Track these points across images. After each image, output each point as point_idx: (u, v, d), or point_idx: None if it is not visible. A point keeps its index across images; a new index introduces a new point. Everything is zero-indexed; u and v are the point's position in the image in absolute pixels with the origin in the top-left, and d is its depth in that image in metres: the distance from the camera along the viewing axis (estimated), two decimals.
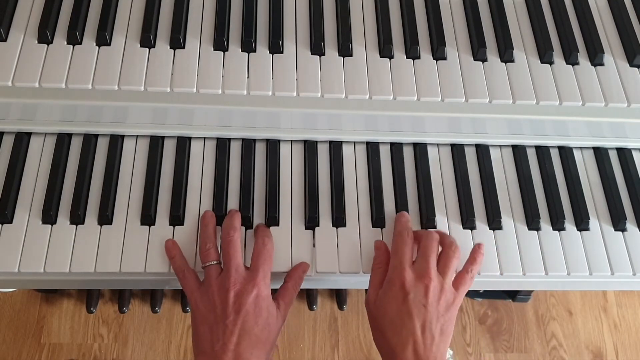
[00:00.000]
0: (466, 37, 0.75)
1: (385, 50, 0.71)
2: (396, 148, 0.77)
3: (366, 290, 0.68)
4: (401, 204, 0.73)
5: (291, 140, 0.77)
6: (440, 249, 0.67)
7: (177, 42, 0.69)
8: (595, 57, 0.74)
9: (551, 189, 0.76)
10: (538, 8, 0.78)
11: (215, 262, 0.65)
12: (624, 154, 0.81)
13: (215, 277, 0.63)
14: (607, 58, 0.75)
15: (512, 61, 0.73)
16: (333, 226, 0.72)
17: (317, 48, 0.71)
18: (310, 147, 0.76)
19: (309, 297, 1.24)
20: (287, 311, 0.66)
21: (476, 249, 0.69)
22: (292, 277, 0.67)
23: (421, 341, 0.60)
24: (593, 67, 0.74)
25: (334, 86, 0.69)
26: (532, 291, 1.32)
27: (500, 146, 0.79)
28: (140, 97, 0.68)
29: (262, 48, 0.70)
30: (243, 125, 0.75)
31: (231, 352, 0.59)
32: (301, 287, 0.68)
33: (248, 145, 0.75)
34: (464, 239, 0.72)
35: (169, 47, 0.69)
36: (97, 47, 0.68)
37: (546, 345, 1.35)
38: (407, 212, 0.72)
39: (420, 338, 0.60)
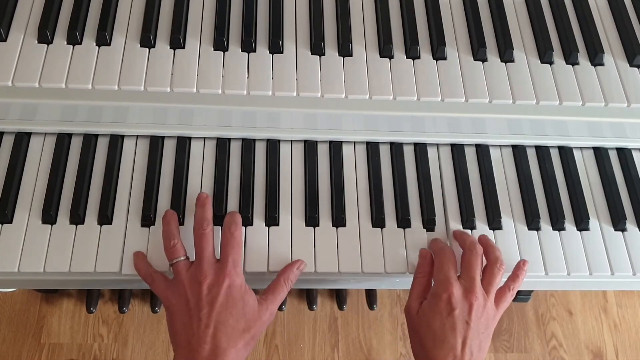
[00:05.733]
0: (466, 37, 0.75)
1: (385, 50, 0.71)
2: (396, 148, 0.77)
3: (366, 291, 0.67)
4: (401, 204, 0.73)
5: (291, 140, 0.77)
6: (484, 262, 0.68)
7: (177, 42, 0.69)
8: (595, 57, 0.74)
9: (551, 189, 0.76)
10: (538, 8, 0.78)
11: (183, 257, 0.65)
12: (624, 154, 0.81)
13: (185, 272, 0.63)
14: (607, 58, 0.75)
15: (512, 61, 0.73)
16: (333, 226, 0.72)
17: (317, 48, 0.71)
18: (310, 147, 0.76)
19: (309, 297, 1.24)
20: (276, 305, 0.65)
21: (520, 265, 0.70)
22: (284, 272, 0.67)
23: (460, 356, 0.61)
24: (593, 67, 0.74)
25: (334, 86, 0.69)
26: (532, 291, 1.32)
27: (500, 146, 0.79)
28: (140, 97, 0.68)
29: (262, 48, 0.71)
30: (243, 125, 0.75)
31: (208, 345, 0.59)
32: (301, 287, 0.68)
33: (248, 145, 0.75)
34: None
35: (169, 47, 0.69)
36: (97, 47, 0.68)
37: (546, 345, 1.35)
38: (408, 212, 0.72)
39: (460, 353, 0.61)
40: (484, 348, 0.63)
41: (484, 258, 0.68)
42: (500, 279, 0.67)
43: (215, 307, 0.60)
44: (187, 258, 0.65)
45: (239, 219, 0.68)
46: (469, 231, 0.73)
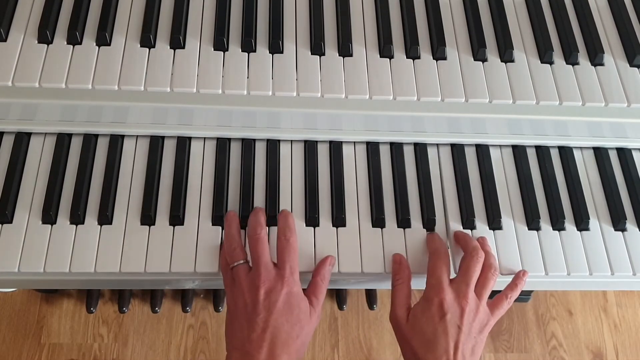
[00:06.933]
0: (466, 37, 0.75)
1: (385, 50, 0.71)
2: (396, 148, 0.77)
3: (366, 291, 0.68)
4: (401, 204, 0.73)
5: (291, 140, 0.77)
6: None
7: (177, 42, 0.69)
8: (595, 57, 0.74)
9: (551, 189, 0.76)
10: (538, 8, 0.78)
11: (242, 261, 0.65)
12: (624, 154, 0.81)
13: (244, 276, 0.64)
14: (607, 58, 0.75)
15: (512, 61, 0.73)
16: (333, 226, 0.72)
17: (317, 48, 0.71)
18: (310, 147, 0.76)
19: None
20: (321, 306, 0.66)
21: (520, 275, 0.69)
22: (319, 272, 0.67)
23: None
24: (593, 67, 0.74)
25: (334, 86, 0.69)
26: (532, 291, 1.32)
27: (500, 146, 0.79)
28: (140, 97, 0.68)
29: (262, 48, 0.70)
30: (243, 125, 0.75)
31: (265, 349, 0.60)
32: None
33: (248, 145, 0.75)
34: None
35: (169, 47, 0.69)
36: (97, 47, 0.68)
37: (546, 345, 1.35)
38: (408, 212, 0.72)
39: (452, 357, 0.61)
40: (476, 352, 0.63)
41: None
42: (493, 285, 0.67)
43: (273, 314, 0.61)
44: (247, 262, 0.66)
45: (292, 223, 0.68)
46: (469, 231, 0.73)
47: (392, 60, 0.72)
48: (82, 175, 0.71)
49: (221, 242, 0.69)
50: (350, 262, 0.69)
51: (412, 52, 0.72)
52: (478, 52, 0.73)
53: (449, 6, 0.77)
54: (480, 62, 0.73)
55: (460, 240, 0.70)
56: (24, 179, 0.71)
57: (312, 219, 0.71)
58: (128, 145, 0.75)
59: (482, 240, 0.71)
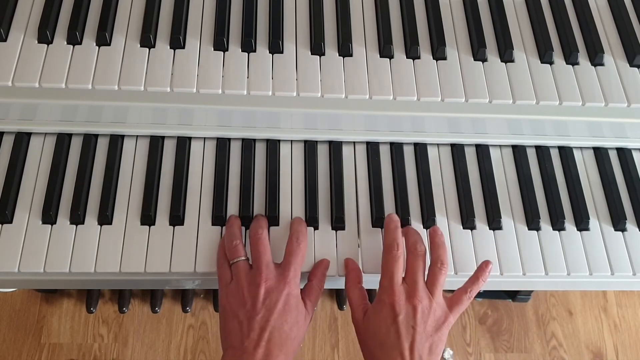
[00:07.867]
0: (466, 37, 0.75)
1: (385, 50, 0.71)
2: (396, 148, 0.77)
3: (366, 291, 0.67)
4: (401, 204, 0.73)
5: (291, 140, 0.77)
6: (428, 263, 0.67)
7: (177, 42, 0.69)
8: (595, 57, 0.74)
9: (551, 189, 0.76)
10: (538, 8, 0.78)
11: (243, 257, 0.65)
12: (624, 154, 0.81)
13: (245, 273, 0.64)
14: (607, 58, 0.75)
15: (512, 61, 0.73)
16: (333, 226, 0.72)
17: (317, 48, 0.71)
18: (310, 147, 0.76)
19: None
20: (314, 310, 0.66)
21: (482, 267, 0.68)
22: (316, 275, 0.67)
23: None
24: (593, 67, 0.74)
25: (334, 86, 0.69)
26: (532, 291, 1.32)
27: (500, 146, 0.79)
28: (140, 97, 0.68)
29: (262, 48, 0.70)
30: (243, 125, 0.75)
31: (262, 349, 0.59)
32: (300, 288, 0.68)
33: (248, 145, 0.75)
34: (464, 239, 0.72)
35: (169, 47, 0.69)
36: (97, 47, 0.68)
37: (546, 345, 1.35)
38: (408, 212, 0.72)
39: (409, 357, 0.60)
40: (435, 351, 0.62)
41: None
42: (444, 279, 0.66)
43: (274, 314, 0.61)
44: (248, 260, 0.65)
45: (305, 230, 0.68)
46: (468, 232, 0.73)
47: (392, 60, 0.72)
48: (82, 175, 0.71)
49: None
50: None
51: (412, 52, 0.72)
52: (478, 52, 0.73)
53: (449, 6, 0.77)
54: (480, 62, 0.73)
55: (405, 236, 0.68)
56: (24, 179, 0.71)
57: (312, 219, 0.71)
58: (128, 145, 0.75)
59: (432, 233, 0.69)
